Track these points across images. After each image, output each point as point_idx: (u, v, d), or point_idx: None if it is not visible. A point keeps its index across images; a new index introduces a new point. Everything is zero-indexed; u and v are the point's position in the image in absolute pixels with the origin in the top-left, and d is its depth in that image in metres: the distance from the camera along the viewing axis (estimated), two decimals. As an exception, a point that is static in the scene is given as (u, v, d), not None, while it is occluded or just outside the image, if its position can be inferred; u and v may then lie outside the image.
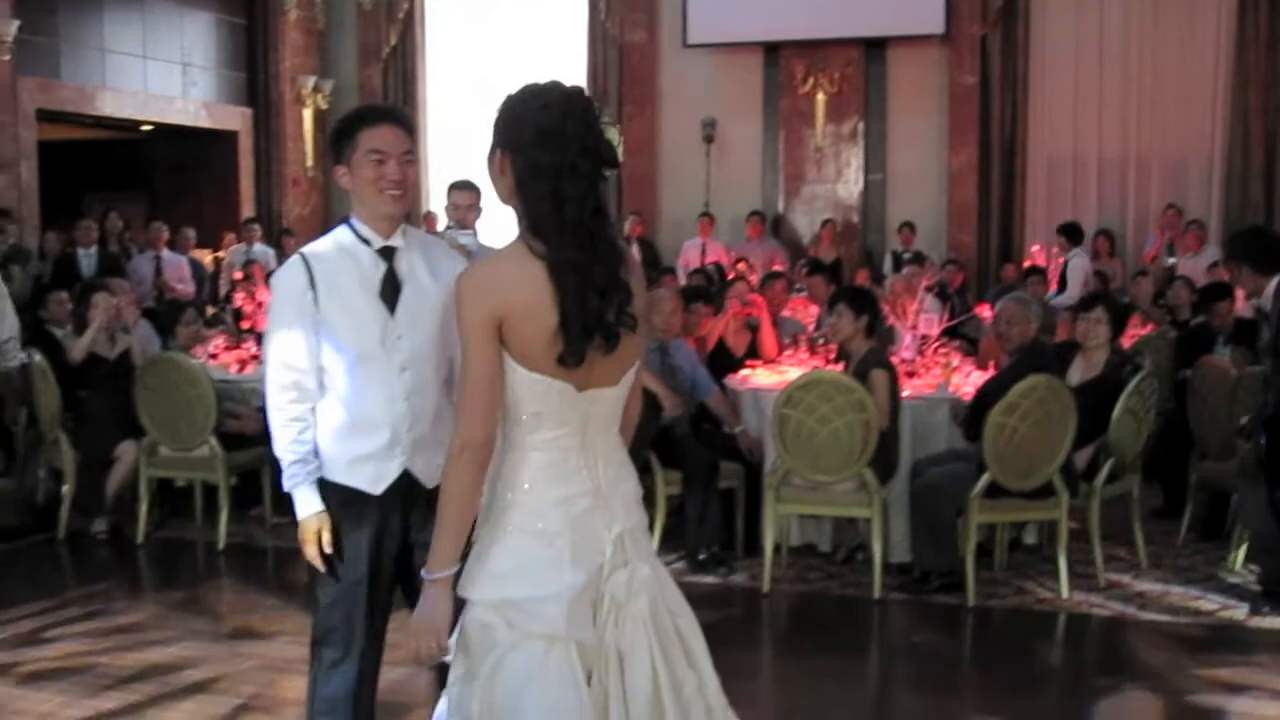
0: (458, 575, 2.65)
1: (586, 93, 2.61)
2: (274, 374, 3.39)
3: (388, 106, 3.45)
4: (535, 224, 2.56)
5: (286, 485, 3.40)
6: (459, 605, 2.69)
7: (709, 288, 9.26)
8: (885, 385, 6.23)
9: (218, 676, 5.23)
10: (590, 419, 2.65)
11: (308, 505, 3.38)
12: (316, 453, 3.38)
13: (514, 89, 2.64)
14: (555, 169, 2.51)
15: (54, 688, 5.08)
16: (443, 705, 2.77)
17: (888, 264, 13.74)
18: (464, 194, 6.15)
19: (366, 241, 3.35)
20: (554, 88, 2.58)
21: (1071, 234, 12.95)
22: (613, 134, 2.58)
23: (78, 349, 7.49)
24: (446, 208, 6.21)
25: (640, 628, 2.64)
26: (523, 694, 2.57)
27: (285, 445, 3.38)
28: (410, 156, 3.36)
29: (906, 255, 13.34)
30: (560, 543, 2.62)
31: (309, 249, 3.44)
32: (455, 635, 2.69)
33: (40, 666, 5.33)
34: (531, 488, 2.64)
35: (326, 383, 3.36)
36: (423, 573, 2.66)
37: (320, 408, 3.38)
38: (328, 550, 3.37)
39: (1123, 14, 14.27)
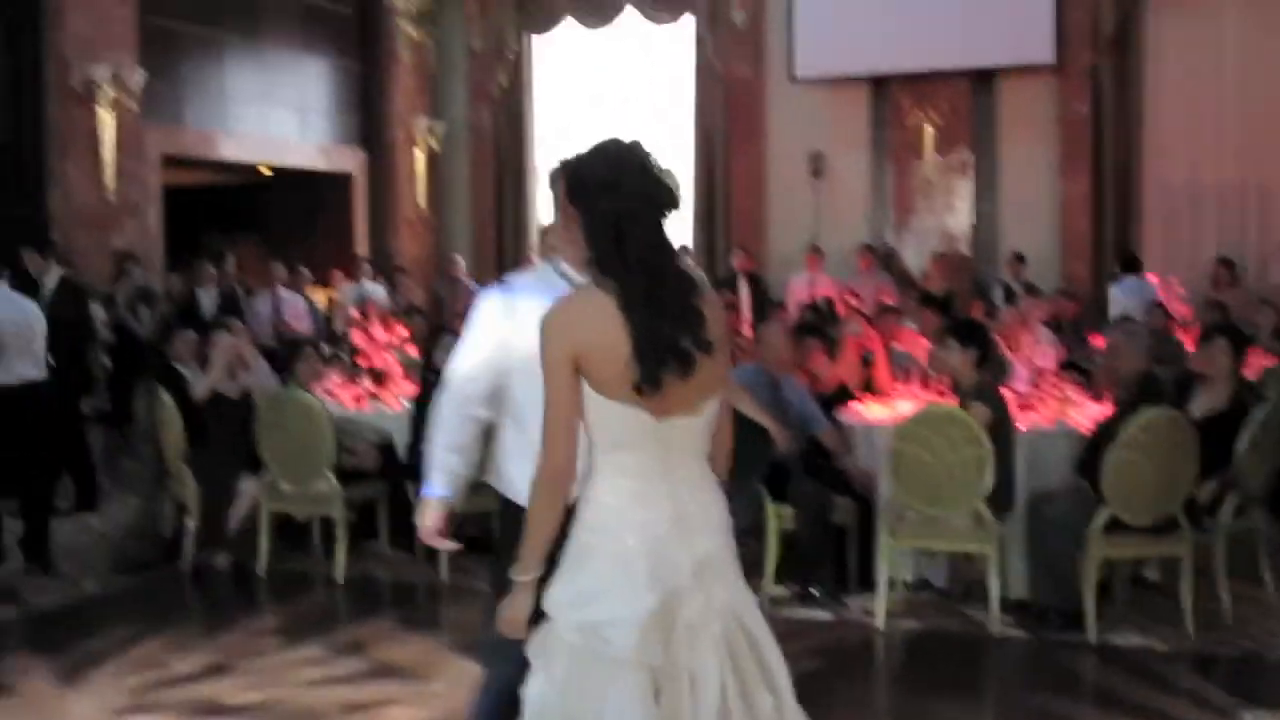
0: (543, 578, 2.89)
1: (642, 145, 2.87)
2: (454, 382, 3.66)
3: None
4: (602, 265, 2.80)
5: (427, 472, 3.67)
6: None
7: (819, 323, 9.21)
8: (983, 417, 6.15)
9: (324, 701, 5.33)
10: (672, 446, 2.83)
11: (434, 489, 3.65)
12: (461, 454, 3.64)
13: (581, 149, 2.93)
14: (616, 215, 2.76)
15: (174, 713, 5.21)
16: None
17: (999, 296, 13.57)
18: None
19: (566, 277, 3.53)
20: (611, 144, 2.87)
21: (1125, 263, 12.98)
22: (672, 179, 2.83)
23: (202, 387, 7.70)
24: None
25: (712, 651, 2.76)
26: (600, 710, 2.75)
27: (440, 435, 3.64)
28: None
29: (1016, 287, 13.18)
30: (639, 565, 2.78)
31: (513, 278, 3.74)
32: (534, 635, 2.90)
33: (162, 697, 5.47)
34: (614, 511, 2.82)
35: (511, 407, 3.59)
36: (510, 573, 2.93)
37: (504, 430, 3.63)
38: (441, 535, 3.67)
39: (1239, 40, 13.97)
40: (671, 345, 2.73)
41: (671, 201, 2.82)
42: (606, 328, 2.74)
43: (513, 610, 2.94)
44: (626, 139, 2.88)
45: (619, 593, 2.77)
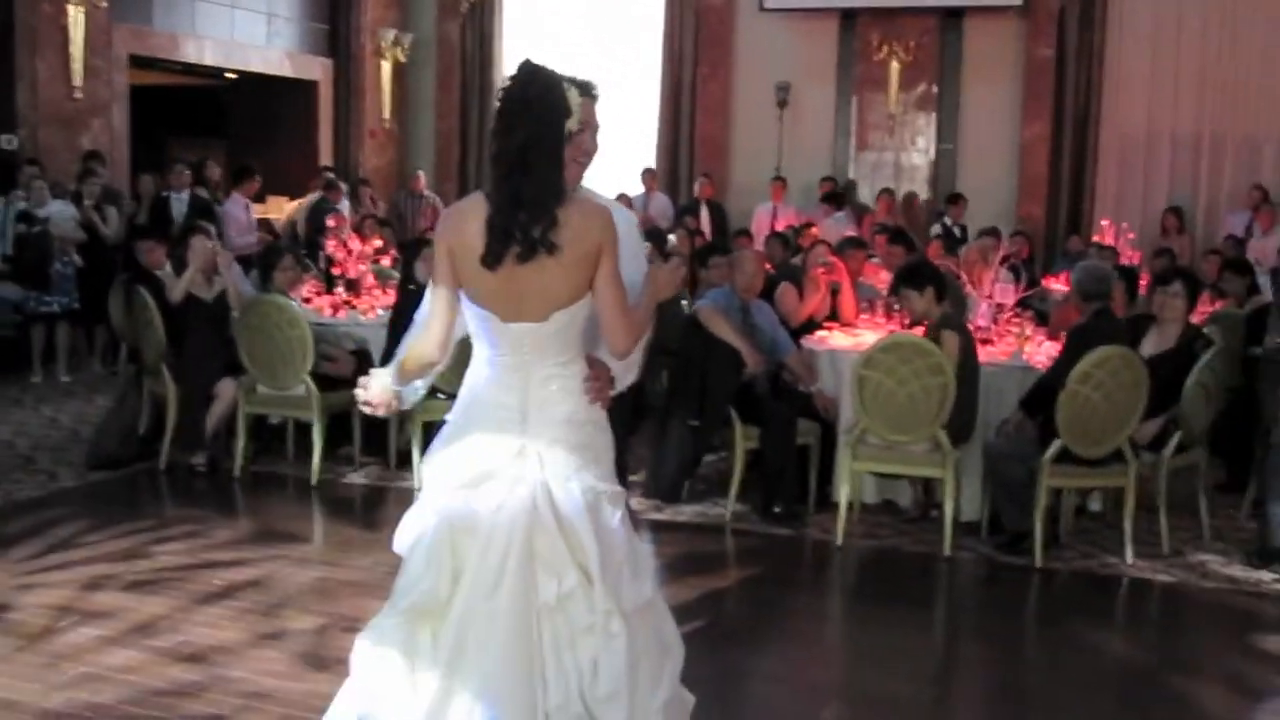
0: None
1: (549, 68, 3.13)
2: None
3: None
4: (491, 156, 3.10)
5: None
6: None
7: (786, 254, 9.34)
8: (954, 345, 6.42)
9: (303, 595, 5.58)
10: (523, 347, 3.13)
11: None
12: None
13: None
14: (510, 112, 3.07)
15: (151, 597, 5.43)
16: None
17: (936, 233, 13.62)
18: None
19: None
20: (523, 63, 3.15)
21: (830, 199, 13.92)
22: (573, 97, 3.10)
23: (176, 290, 7.78)
24: None
25: (502, 531, 3.08)
26: (417, 540, 3.21)
27: None
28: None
29: (955, 228, 13.39)
30: (465, 440, 3.18)
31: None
32: None
33: (139, 578, 5.69)
34: (470, 392, 3.23)
35: None
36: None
37: None
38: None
39: (1203, -10, 14.23)
40: (522, 231, 3.00)
41: (557, 116, 3.07)
42: (474, 223, 3.05)
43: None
44: (549, 64, 3.16)
45: (444, 457, 3.20)
